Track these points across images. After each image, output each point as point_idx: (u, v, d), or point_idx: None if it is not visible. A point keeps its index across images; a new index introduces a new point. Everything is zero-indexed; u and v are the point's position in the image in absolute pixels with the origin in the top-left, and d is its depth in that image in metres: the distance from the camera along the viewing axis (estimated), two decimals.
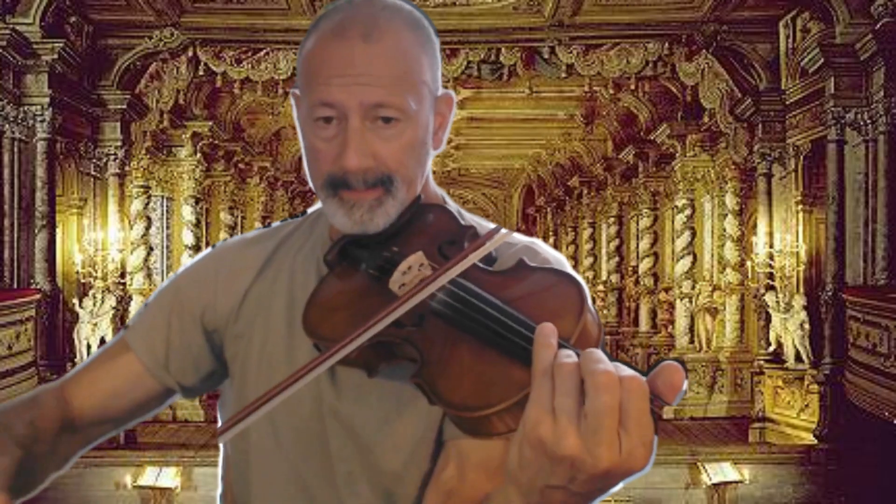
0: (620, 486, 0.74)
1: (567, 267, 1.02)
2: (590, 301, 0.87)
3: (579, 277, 0.91)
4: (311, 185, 1.08)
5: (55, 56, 8.50)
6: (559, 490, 0.74)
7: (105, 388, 1.15)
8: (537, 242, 1.10)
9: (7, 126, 8.40)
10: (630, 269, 14.96)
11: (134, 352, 1.16)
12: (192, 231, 12.20)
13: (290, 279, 1.15)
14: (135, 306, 10.88)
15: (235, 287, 1.17)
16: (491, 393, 0.83)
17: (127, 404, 1.16)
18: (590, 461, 0.71)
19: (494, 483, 0.97)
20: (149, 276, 11.43)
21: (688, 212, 11.92)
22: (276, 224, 1.25)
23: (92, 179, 9.95)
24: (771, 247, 9.67)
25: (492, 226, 1.08)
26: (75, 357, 9.37)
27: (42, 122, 8.60)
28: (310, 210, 1.23)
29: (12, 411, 1.10)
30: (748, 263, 10.19)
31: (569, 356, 0.74)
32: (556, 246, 20.92)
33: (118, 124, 9.90)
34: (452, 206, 1.12)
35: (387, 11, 1.02)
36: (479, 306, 0.88)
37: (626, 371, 0.72)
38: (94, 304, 9.52)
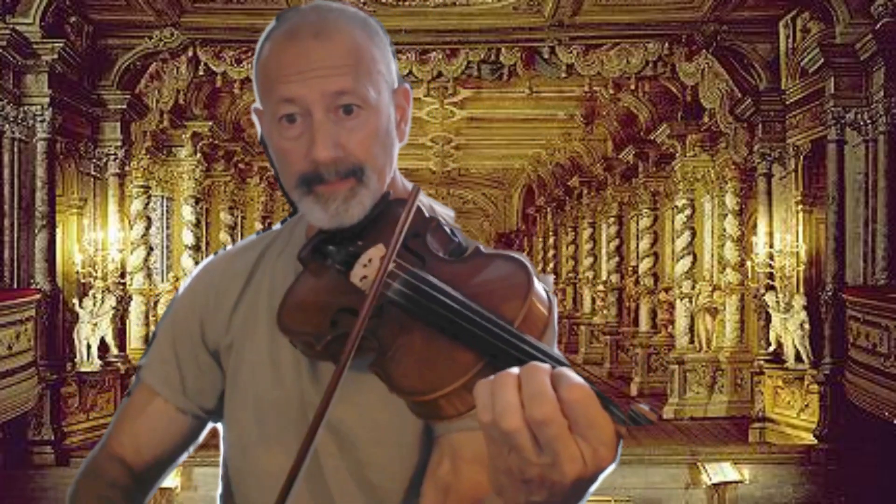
0: (600, 480, 0.75)
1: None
2: (538, 284, 0.89)
3: (527, 261, 0.93)
4: (284, 191, 1.11)
5: (55, 56, 8.50)
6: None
7: (151, 438, 1.19)
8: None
9: (7, 126, 8.39)
10: (630, 269, 14.95)
11: (153, 389, 1.19)
12: (192, 231, 12.19)
13: (270, 284, 1.17)
14: (135, 306, 10.89)
15: (226, 300, 1.19)
16: (437, 377, 0.85)
17: (172, 445, 1.21)
18: (557, 477, 0.72)
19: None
20: (149, 276, 11.43)
21: (688, 212, 11.91)
22: (259, 234, 1.28)
23: (92, 179, 9.95)
24: (771, 247, 9.66)
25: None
26: (75, 357, 9.37)
27: (42, 122, 8.60)
28: (287, 220, 1.26)
29: (90, 486, 1.15)
30: (748, 263, 10.19)
31: (505, 387, 0.72)
32: (556, 246, 20.92)
33: (118, 124, 9.90)
34: (425, 200, 1.13)
35: (333, 12, 1.06)
36: (429, 293, 0.90)
37: (568, 380, 0.71)
38: (94, 304, 9.52)
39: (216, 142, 12.55)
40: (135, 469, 1.17)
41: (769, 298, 9.43)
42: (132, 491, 1.15)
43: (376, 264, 0.97)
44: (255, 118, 1.13)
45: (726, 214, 11.15)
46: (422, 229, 1.02)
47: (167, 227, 12.36)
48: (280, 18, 1.08)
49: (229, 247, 1.28)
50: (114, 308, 9.63)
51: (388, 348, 0.91)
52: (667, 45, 9.97)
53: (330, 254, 1.04)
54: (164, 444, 1.20)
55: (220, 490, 1.26)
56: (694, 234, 11.90)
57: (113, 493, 1.13)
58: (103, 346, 9.60)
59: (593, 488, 0.76)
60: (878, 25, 7.63)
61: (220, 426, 1.26)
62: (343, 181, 1.04)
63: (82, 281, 9.68)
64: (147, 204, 11.50)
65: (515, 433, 0.71)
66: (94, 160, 9.88)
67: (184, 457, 1.24)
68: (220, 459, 1.27)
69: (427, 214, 1.06)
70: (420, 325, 0.90)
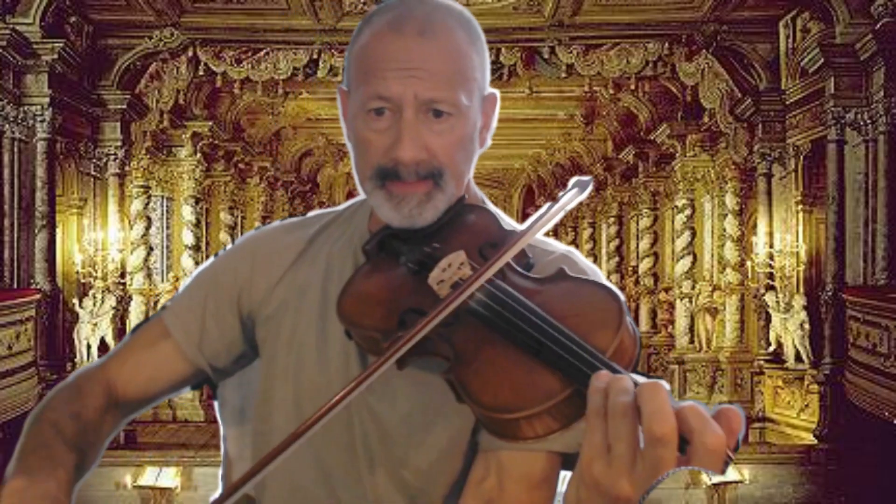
0: None
1: (603, 279, 1.03)
2: (628, 316, 0.88)
3: (618, 291, 0.92)
4: (356, 178, 1.09)
5: (55, 56, 8.49)
6: None
7: (147, 373, 1.18)
8: (574, 252, 1.12)
9: (7, 126, 8.39)
10: (630, 269, 14.95)
11: (170, 332, 1.18)
12: (192, 231, 12.19)
13: (326, 267, 1.15)
14: (135, 306, 10.89)
15: (272, 271, 1.17)
16: (522, 397, 0.83)
17: (164, 386, 1.20)
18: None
19: (536, 496, 0.99)
20: (149, 276, 11.43)
21: (688, 212, 11.92)
22: (313, 213, 1.26)
23: (92, 179, 9.95)
24: (771, 247, 9.66)
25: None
26: (75, 357, 9.37)
27: (42, 122, 8.60)
28: (349, 202, 1.24)
29: (60, 406, 1.12)
30: (748, 263, 10.19)
31: (623, 393, 0.73)
32: None
33: (118, 124, 9.89)
34: (493, 209, 1.13)
35: (440, 10, 1.05)
36: (518, 310, 0.89)
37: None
38: (94, 304, 9.52)
39: (216, 142, 12.54)
40: (119, 398, 1.16)
41: (769, 298, 9.43)
42: (91, 424, 1.12)
43: (455, 270, 0.96)
44: (338, 97, 1.13)
45: (726, 214, 11.15)
46: (500, 240, 1.00)
47: (167, 227, 12.35)
48: (385, 6, 1.07)
49: (287, 220, 1.27)
50: (114, 308, 9.63)
51: (467, 358, 0.89)
52: (667, 45, 9.97)
53: (403, 252, 1.03)
54: (158, 384, 1.18)
55: (220, 490, 1.26)
56: (694, 234, 11.90)
57: (71, 426, 1.09)
58: (103, 347, 9.59)
59: None
60: (878, 25, 7.62)
61: (219, 413, 1.26)
62: (421, 182, 1.03)
63: (82, 281, 9.68)
64: (147, 204, 11.50)
65: (626, 435, 0.71)
66: (94, 160, 9.88)
67: (160, 402, 1.23)
68: (222, 458, 1.26)
69: (505, 226, 1.05)
70: (501, 339, 0.88)
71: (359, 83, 1.05)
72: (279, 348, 1.14)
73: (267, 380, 1.15)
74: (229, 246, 1.26)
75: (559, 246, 1.12)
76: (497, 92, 1.13)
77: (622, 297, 0.91)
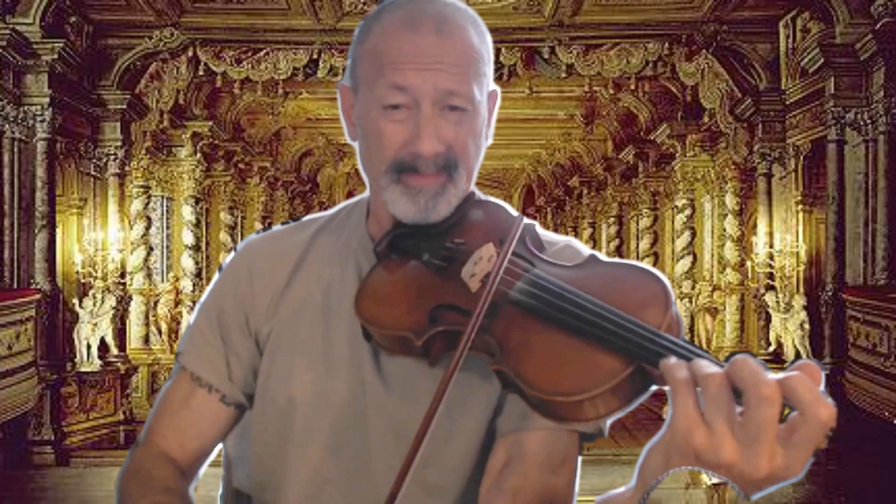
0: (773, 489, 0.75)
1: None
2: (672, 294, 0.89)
3: (658, 271, 0.93)
4: (365, 174, 1.09)
5: (55, 56, 8.49)
6: None
7: (193, 433, 1.16)
8: (576, 241, 1.13)
9: (7, 126, 8.39)
10: None
11: (197, 377, 1.15)
12: (192, 231, 12.19)
13: (327, 272, 1.14)
14: (135, 306, 10.89)
15: (271, 285, 1.15)
16: (586, 378, 0.83)
17: (216, 437, 1.18)
18: (748, 469, 0.73)
19: (560, 476, 0.99)
20: (149, 276, 11.43)
21: (688, 212, 11.92)
22: (305, 218, 1.24)
23: (92, 179, 9.95)
24: (771, 247, 9.66)
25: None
26: (75, 357, 9.37)
27: (42, 122, 8.60)
28: (340, 205, 1.23)
29: (147, 491, 1.10)
30: (748, 263, 10.19)
31: (711, 364, 0.76)
32: None
33: (118, 124, 9.89)
34: (501, 202, 1.14)
35: (451, 9, 1.07)
36: (565, 294, 0.89)
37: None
38: (94, 304, 9.52)
39: (216, 142, 12.54)
40: (181, 465, 1.15)
41: (769, 298, 9.43)
42: (186, 493, 1.12)
43: (485, 263, 0.96)
44: (339, 94, 1.13)
45: (726, 214, 11.15)
46: (522, 231, 1.02)
47: (167, 227, 12.36)
48: (392, 4, 1.07)
49: (277, 227, 1.24)
50: (114, 308, 9.63)
51: (515, 348, 0.88)
52: (667, 45, 9.97)
53: (422, 249, 1.03)
54: (207, 436, 1.16)
55: (220, 490, 1.25)
56: (694, 234, 11.91)
57: (170, 499, 1.08)
58: (103, 346, 9.60)
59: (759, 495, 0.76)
60: (878, 25, 7.62)
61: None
62: (437, 175, 1.03)
63: (82, 281, 9.68)
64: (147, 204, 11.51)
65: (726, 404, 0.73)
66: (94, 160, 9.89)
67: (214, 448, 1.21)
68: (223, 459, 1.26)
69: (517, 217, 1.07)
70: (548, 325, 0.88)
71: (374, 77, 1.04)
72: (282, 356, 1.12)
73: (269, 387, 1.13)
74: (221, 273, 1.22)
75: (559, 237, 1.13)
76: (498, 88, 1.14)
77: (664, 276, 0.91)
